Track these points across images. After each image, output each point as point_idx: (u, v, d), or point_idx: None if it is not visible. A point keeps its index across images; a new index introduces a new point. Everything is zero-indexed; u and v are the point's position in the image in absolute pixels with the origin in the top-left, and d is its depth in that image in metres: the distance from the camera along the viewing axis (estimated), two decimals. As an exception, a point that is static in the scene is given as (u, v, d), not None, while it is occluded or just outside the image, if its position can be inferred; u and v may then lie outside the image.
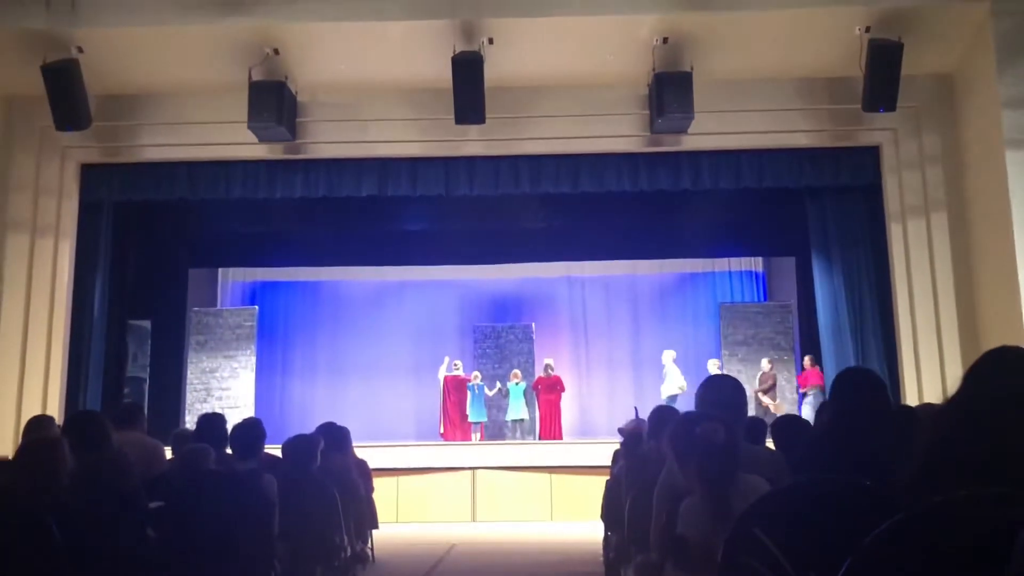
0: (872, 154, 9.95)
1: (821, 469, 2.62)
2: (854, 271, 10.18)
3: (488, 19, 8.81)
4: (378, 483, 7.77)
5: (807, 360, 11.79)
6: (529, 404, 12.84)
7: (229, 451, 4.94)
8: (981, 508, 1.52)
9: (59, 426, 5.19)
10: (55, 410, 9.16)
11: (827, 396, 3.14)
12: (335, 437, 6.41)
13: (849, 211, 10.30)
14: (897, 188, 9.74)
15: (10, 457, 4.32)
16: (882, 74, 8.82)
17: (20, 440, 4.94)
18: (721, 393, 3.44)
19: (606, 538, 5.68)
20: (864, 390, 2.99)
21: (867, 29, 8.78)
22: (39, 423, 5.10)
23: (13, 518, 2.93)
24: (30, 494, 3.11)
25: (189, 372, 12.57)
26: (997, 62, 8.66)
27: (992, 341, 8.55)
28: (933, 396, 8.74)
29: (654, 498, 3.41)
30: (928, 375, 9.30)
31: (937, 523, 1.54)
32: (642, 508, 3.62)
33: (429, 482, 10.46)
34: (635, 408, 5.29)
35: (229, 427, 5.39)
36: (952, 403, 1.96)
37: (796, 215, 10.80)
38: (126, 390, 11.48)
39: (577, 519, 9.73)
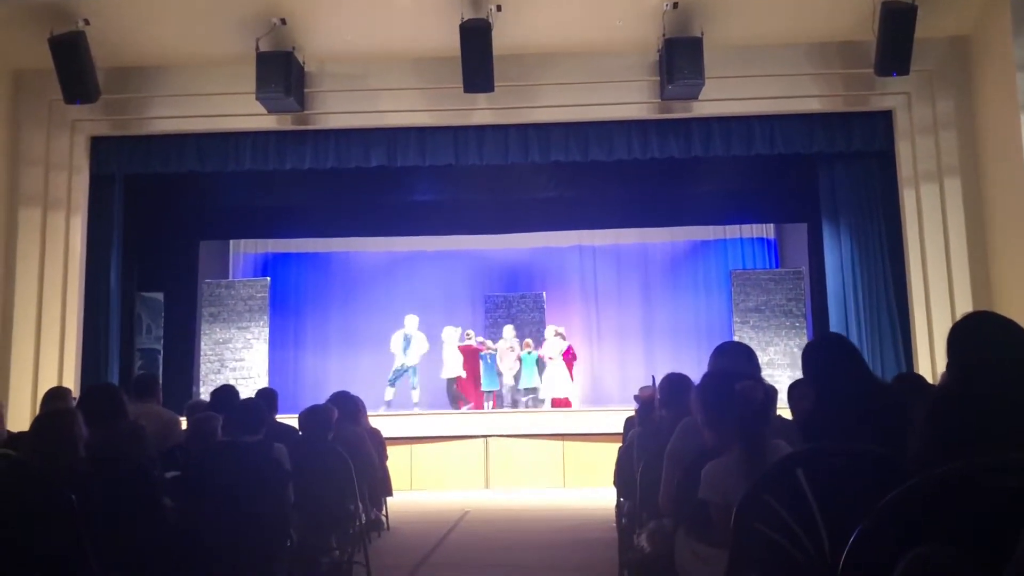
0: (885, 119, 9.85)
1: (826, 437, 2.60)
2: (866, 237, 10.12)
3: (496, -15, 8.73)
4: (392, 451, 7.85)
5: (550, 331, 12.71)
6: (541, 373, 12.88)
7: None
8: (992, 475, 1.52)
9: (75, 399, 5.24)
10: (71, 383, 9.24)
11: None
12: (349, 407, 6.47)
13: (861, 177, 10.22)
14: (910, 153, 9.66)
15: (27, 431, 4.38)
16: (895, 37, 8.70)
17: (39, 412, 4.99)
18: (732, 359, 3.44)
19: (619, 504, 5.72)
20: (840, 358, 2.92)
21: (880, -9, 8.66)
22: (56, 394, 5.15)
23: (33, 490, 2.97)
24: (47, 466, 3.15)
25: (202, 343, 12.64)
26: (1014, 24, 8.53)
27: (1006, 307, 8.52)
28: (946, 363, 8.71)
29: (664, 463, 3.42)
30: (941, 341, 9.24)
31: (948, 490, 1.55)
32: (654, 474, 3.64)
33: (442, 450, 10.54)
34: (652, 376, 5.30)
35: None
36: (947, 375, 1.97)
37: (808, 181, 10.73)
38: (139, 362, 11.56)
39: (589, 486, 9.80)
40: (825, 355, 2.92)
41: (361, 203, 12.27)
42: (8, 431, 4.52)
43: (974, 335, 2.17)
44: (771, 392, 2.90)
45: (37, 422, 3.48)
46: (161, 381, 9.79)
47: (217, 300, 12.93)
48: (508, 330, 12.94)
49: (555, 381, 12.50)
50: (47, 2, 8.81)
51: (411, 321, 12.54)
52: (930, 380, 8.51)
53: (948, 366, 2.19)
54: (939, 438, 1.79)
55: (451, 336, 12.71)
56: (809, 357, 2.94)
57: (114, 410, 4.12)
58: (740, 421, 2.70)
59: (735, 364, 3.36)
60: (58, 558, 2.88)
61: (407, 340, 12.39)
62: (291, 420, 6.28)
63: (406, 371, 12.24)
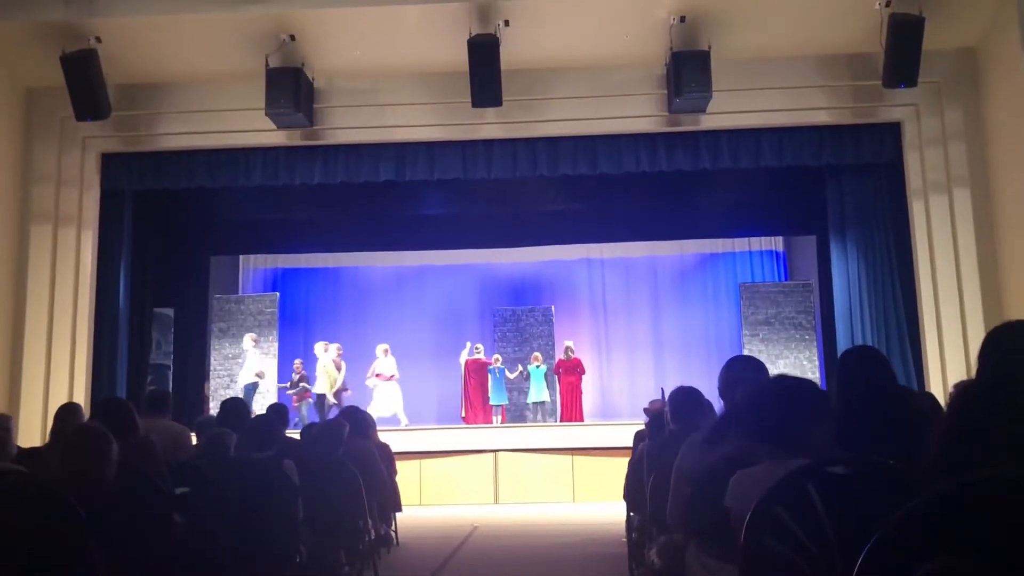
0: (893, 131, 9.83)
1: (846, 448, 2.59)
2: (875, 249, 10.08)
3: (504, 1, 8.77)
4: (401, 467, 7.84)
5: (380, 349, 12.58)
6: (550, 386, 12.87)
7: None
8: (1006, 488, 1.51)
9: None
10: (81, 399, 9.28)
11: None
12: (358, 422, 6.47)
13: (870, 189, 10.19)
14: (919, 165, 9.64)
15: (38, 446, 4.38)
16: (903, 49, 8.71)
17: (51, 427, 4.99)
18: (742, 373, 3.43)
19: (629, 519, 5.69)
20: (867, 368, 2.94)
21: (887, 3, 8.66)
22: (69, 410, 5.15)
23: (43, 506, 2.97)
24: (74, 482, 3.14)
25: (212, 359, 12.68)
26: (1022, 34, 8.52)
27: (1018, 317, 8.46)
28: (957, 376, 8.68)
29: (672, 477, 3.40)
30: (952, 354, 9.21)
31: (963, 501, 1.53)
32: (664, 488, 3.62)
33: (451, 465, 10.52)
34: (661, 389, 5.30)
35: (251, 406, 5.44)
36: (971, 385, 1.95)
37: (816, 193, 10.71)
38: (150, 377, 11.59)
39: (599, 500, 9.76)
40: (848, 366, 2.92)
41: (370, 218, 12.31)
42: (18, 447, 4.51)
43: (1004, 343, 2.15)
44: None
45: (69, 438, 3.43)
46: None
47: (227, 315, 12.98)
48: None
49: (384, 402, 12.12)
50: (59, 21, 8.90)
51: (248, 341, 12.26)
52: (940, 392, 8.46)
53: (977, 372, 2.17)
54: (959, 443, 1.77)
55: (321, 350, 12.48)
56: (837, 367, 2.96)
57: (125, 425, 4.13)
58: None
59: (744, 378, 3.35)
60: (67, 572, 2.87)
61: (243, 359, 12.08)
62: (297, 435, 6.29)
63: (251, 389, 11.78)
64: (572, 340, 13.35)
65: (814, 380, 11.68)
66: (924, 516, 1.56)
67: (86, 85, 9.04)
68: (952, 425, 1.91)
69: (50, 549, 2.87)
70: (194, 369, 12.45)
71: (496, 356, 13.08)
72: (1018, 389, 1.90)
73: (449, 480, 10.45)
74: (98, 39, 9.03)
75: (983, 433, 1.82)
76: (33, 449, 4.49)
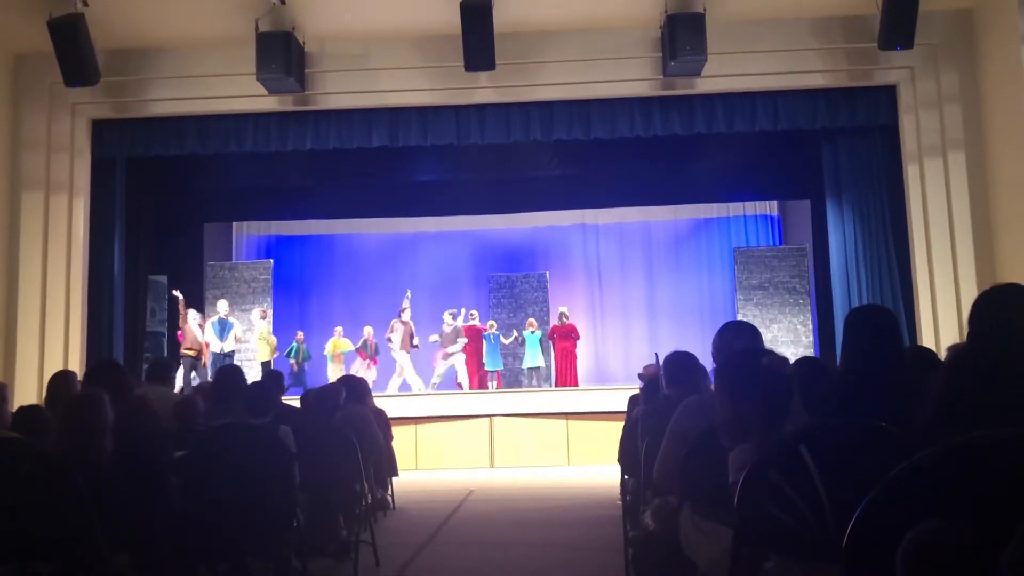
0: (889, 93, 9.79)
1: (837, 411, 2.59)
2: (870, 213, 10.08)
3: (496, -37, 8.66)
4: (397, 432, 7.87)
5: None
6: (545, 352, 12.91)
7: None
8: (999, 449, 1.52)
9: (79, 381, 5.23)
10: (76, 366, 9.26)
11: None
12: (354, 388, 6.48)
13: (865, 152, 10.17)
14: (914, 127, 9.60)
15: (36, 405, 4.33)
16: (899, 11, 8.65)
17: (46, 394, 4.98)
18: (737, 338, 3.43)
19: (623, 482, 5.73)
20: (878, 328, 2.92)
21: (884, -36, 8.59)
22: (63, 378, 5.15)
23: (40, 472, 2.98)
24: (72, 449, 3.14)
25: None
26: (1018, -4, 8.47)
27: (1010, 280, 8.48)
28: (950, 337, 8.72)
29: (664, 439, 3.41)
30: (945, 316, 9.26)
31: (955, 464, 1.55)
32: (658, 452, 3.65)
33: (447, 430, 10.58)
34: (655, 354, 5.31)
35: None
36: (962, 349, 1.96)
37: (811, 157, 10.68)
38: (146, 344, 11.59)
39: (594, 464, 9.83)
40: (851, 327, 2.90)
41: (363, 184, 12.24)
42: (12, 413, 4.48)
43: (994, 305, 2.15)
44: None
45: (69, 404, 3.41)
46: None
47: (221, 282, 12.96)
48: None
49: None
50: (45, -16, 8.77)
51: (223, 305, 11.75)
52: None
53: (968, 335, 2.17)
54: (951, 406, 1.78)
55: (258, 317, 12.31)
56: (844, 328, 2.93)
57: (118, 386, 4.12)
58: (765, 395, 2.57)
59: (740, 343, 3.35)
60: (66, 539, 2.89)
61: (223, 325, 11.48)
62: (294, 401, 6.32)
63: (228, 357, 11.31)
64: (567, 306, 13.37)
65: (807, 344, 11.75)
66: (916, 479, 1.57)
67: (74, 50, 8.93)
68: (943, 389, 1.92)
69: (50, 515, 2.88)
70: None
71: (491, 322, 13.09)
72: (1007, 352, 1.91)
73: (445, 445, 10.51)
74: (85, 3, 8.90)
75: (973, 396, 1.83)
76: (30, 409, 4.35)
